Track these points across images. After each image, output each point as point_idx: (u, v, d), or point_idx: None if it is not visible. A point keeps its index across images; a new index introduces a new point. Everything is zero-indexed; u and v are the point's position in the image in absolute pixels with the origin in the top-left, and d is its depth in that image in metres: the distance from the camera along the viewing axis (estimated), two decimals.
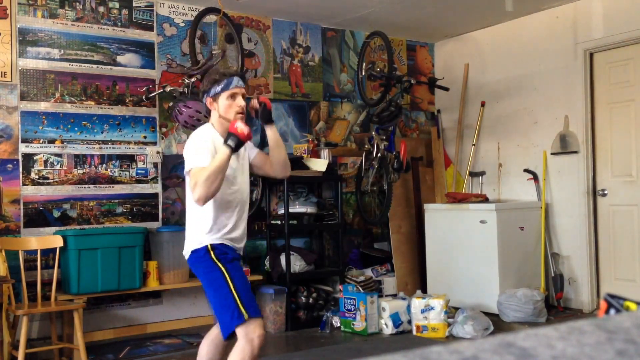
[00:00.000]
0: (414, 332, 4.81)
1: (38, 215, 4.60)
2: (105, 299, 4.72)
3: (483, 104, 6.28)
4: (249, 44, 5.64)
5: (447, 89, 5.80)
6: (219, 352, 2.94)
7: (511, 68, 6.04)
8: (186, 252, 2.89)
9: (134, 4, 5.08)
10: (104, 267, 4.39)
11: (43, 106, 4.68)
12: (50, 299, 4.25)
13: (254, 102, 3.01)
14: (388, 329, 4.87)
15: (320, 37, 6.07)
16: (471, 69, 6.45)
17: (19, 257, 4.17)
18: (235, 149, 2.68)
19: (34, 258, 4.37)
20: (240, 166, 2.95)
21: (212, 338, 3.00)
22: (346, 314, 4.96)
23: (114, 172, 4.93)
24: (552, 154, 5.68)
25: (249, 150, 3.04)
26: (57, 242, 4.31)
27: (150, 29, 5.15)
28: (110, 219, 4.89)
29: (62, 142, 4.74)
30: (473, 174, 6.35)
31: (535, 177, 5.77)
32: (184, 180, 2.87)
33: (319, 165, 5.44)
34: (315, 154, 5.55)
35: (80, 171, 4.80)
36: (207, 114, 3.07)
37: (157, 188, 5.10)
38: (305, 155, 5.46)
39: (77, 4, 4.85)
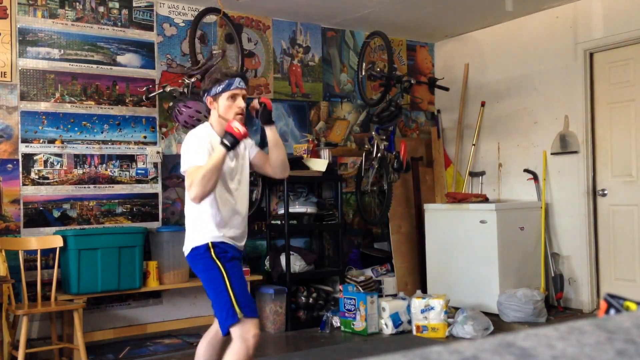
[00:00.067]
0: (414, 332, 4.81)
1: (38, 215, 4.60)
2: (105, 299, 4.72)
3: (483, 104, 6.28)
4: (249, 44, 5.64)
5: (447, 89, 5.80)
6: (216, 352, 2.95)
7: (511, 68, 6.04)
8: (186, 249, 2.90)
9: (134, 4, 5.08)
10: (104, 267, 4.39)
11: (43, 106, 4.68)
12: (50, 299, 4.25)
13: (255, 103, 3.01)
14: (388, 329, 4.87)
15: (320, 37, 6.07)
16: (471, 69, 6.45)
17: (19, 257, 4.17)
18: (231, 148, 2.69)
19: (34, 258, 4.37)
20: (240, 165, 2.96)
21: (209, 338, 3.01)
22: (346, 314, 4.96)
23: (114, 172, 4.93)
24: (552, 154, 5.68)
25: (250, 150, 3.05)
26: (57, 242, 4.31)
27: (150, 29, 5.15)
28: (110, 219, 4.89)
29: (62, 142, 4.74)
30: (473, 174, 6.35)
31: (535, 177, 5.77)
32: (183, 180, 2.87)
33: (319, 165, 5.44)
34: (315, 154, 5.55)
35: (80, 171, 4.80)
36: (207, 114, 3.07)
37: (157, 188, 5.10)
38: (305, 155, 5.46)
39: (77, 4, 4.85)
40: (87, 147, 4.83)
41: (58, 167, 4.72)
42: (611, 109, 5.37)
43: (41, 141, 4.66)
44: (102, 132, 4.90)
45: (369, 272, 5.76)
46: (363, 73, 5.95)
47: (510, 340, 0.59)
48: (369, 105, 5.99)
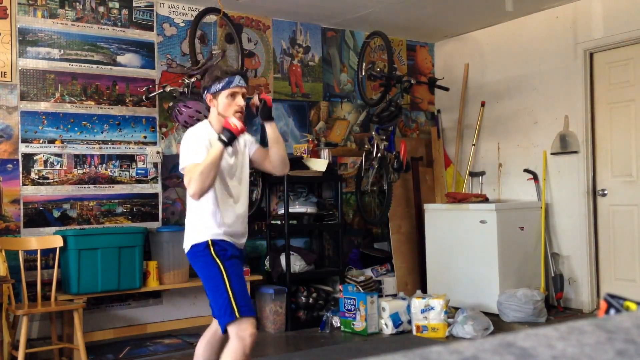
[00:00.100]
0: (414, 332, 4.81)
1: (38, 215, 4.60)
2: (105, 299, 4.72)
3: (483, 104, 6.28)
4: (249, 44, 5.64)
5: (447, 89, 5.80)
6: (215, 352, 2.95)
7: (511, 68, 6.04)
8: (186, 246, 2.91)
9: (134, 4, 5.08)
10: (104, 267, 4.39)
11: (43, 106, 4.68)
12: (50, 299, 4.25)
13: (255, 99, 3.01)
14: (388, 329, 4.87)
15: (320, 37, 6.07)
16: (471, 69, 6.45)
17: (19, 257, 4.17)
18: (228, 144, 2.70)
19: (34, 258, 4.37)
20: (240, 162, 2.96)
21: (208, 338, 3.01)
22: (346, 314, 4.96)
23: (114, 172, 4.93)
24: (552, 154, 5.68)
25: (250, 146, 3.05)
26: (57, 242, 4.31)
27: (150, 29, 5.15)
28: (110, 219, 4.89)
29: (62, 142, 4.74)
30: (473, 174, 6.35)
31: (535, 177, 5.77)
32: (183, 180, 2.88)
33: (319, 165, 5.44)
34: (315, 154, 5.55)
35: (80, 171, 4.80)
36: (208, 113, 3.07)
37: (157, 188, 5.10)
38: (305, 155, 5.46)
39: (77, 4, 4.85)
40: (87, 147, 4.83)
41: (58, 167, 4.72)
42: (611, 109, 5.37)
43: (41, 141, 4.66)
44: (102, 132, 4.90)
45: (369, 272, 5.76)
46: (363, 73, 5.95)
47: (510, 340, 0.59)
48: (369, 105, 5.99)
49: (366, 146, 5.85)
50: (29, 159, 4.61)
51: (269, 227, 5.51)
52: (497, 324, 4.94)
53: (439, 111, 6.75)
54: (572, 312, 5.46)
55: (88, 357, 4.06)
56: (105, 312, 4.78)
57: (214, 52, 5.21)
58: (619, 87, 5.30)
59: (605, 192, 5.38)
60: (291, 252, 5.23)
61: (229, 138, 2.70)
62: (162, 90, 4.96)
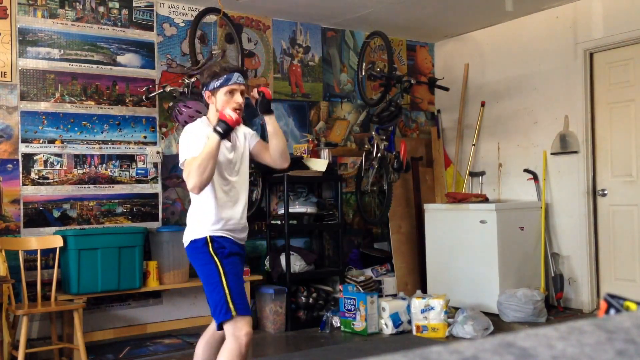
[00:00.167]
0: (414, 332, 4.81)
1: (38, 215, 4.60)
2: (105, 299, 4.72)
3: (483, 104, 6.28)
4: (249, 44, 5.64)
5: (447, 89, 5.80)
6: (214, 352, 2.95)
7: (511, 68, 6.04)
8: (185, 241, 2.91)
9: (134, 4, 5.08)
10: (104, 267, 4.39)
11: (43, 106, 4.68)
12: (50, 299, 4.25)
13: (254, 92, 3.00)
14: (388, 329, 4.87)
15: (320, 37, 6.07)
16: (471, 69, 6.45)
17: (19, 257, 4.17)
18: (223, 135, 2.70)
19: (34, 258, 4.37)
20: (240, 156, 2.95)
21: (207, 338, 3.01)
22: (346, 314, 4.96)
23: (114, 172, 4.93)
24: (552, 154, 5.68)
25: (250, 140, 3.04)
26: (57, 242, 4.31)
27: (150, 29, 5.15)
28: (110, 219, 4.89)
29: (62, 142, 4.74)
30: (473, 174, 6.35)
31: (535, 177, 5.77)
32: (183, 180, 2.88)
33: (319, 165, 5.44)
34: (315, 154, 5.55)
35: (80, 171, 4.80)
36: (207, 111, 3.06)
37: (157, 188, 5.10)
38: (305, 155, 5.46)
39: (77, 4, 4.85)
40: (87, 147, 4.83)
41: (58, 167, 4.72)
42: (611, 109, 5.37)
43: (41, 141, 4.66)
44: (102, 132, 4.90)
45: (369, 272, 5.76)
46: (363, 73, 5.95)
47: (510, 340, 0.59)
48: (369, 105, 5.99)
49: (366, 146, 5.85)
50: (29, 159, 4.61)
51: (269, 227, 5.51)
52: (497, 324, 4.94)
53: (439, 111, 6.75)
54: (572, 312, 5.46)
55: (88, 357, 4.06)
56: (105, 312, 4.78)
57: (214, 52, 5.21)
58: (619, 87, 5.30)
59: (605, 192, 5.38)
60: (291, 252, 5.23)
61: (225, 129, 2.70)
62: (162, 90, 4.96)
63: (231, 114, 2.72)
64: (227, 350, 2.70)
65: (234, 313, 2.69)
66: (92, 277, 4.35)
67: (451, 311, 4.91)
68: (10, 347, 4.00)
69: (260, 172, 5.37)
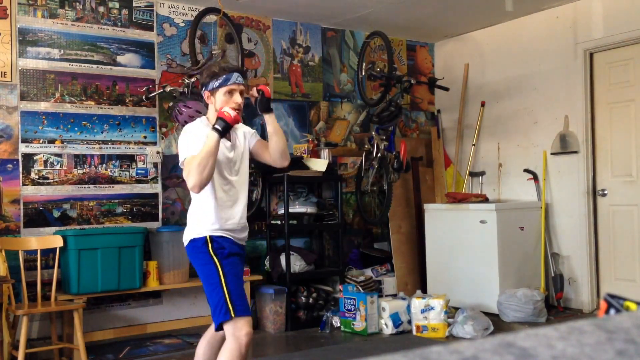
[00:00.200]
0: (414, 332, 4.81)
1: (38, 215, 4.60)
2: (105, 299, 4.72)
3: (483, 104, 6.28)
4: (249, 44, 5.64)
5: (447, 89, 5.80)
6: (215, 352, 2.95)
7: (511, 68, 6.04)
8: (185, 240, 2.92)
9: (134, 4, 5.08)
10: (104, 267, 4.39)
11: (43, 106, 4.68)
12: (50, 299, 4.25)
13: (253, 91, 3.00)
14: (388, 329, 4.87)
15: (320, 37, 6.07)
16: (471, 69, 6.45)
17: (19, 257, 4.17)
18: (222, 133, 2.70)
19: (34, 258, 4.37)
20: (240, 156, 2.95)
21: (208, 339, 3.01)
22: (346, 314, 4.96)
23: (114, 172, 4.93)
24: (552, 154, 5.68)
25: (250, 139, 3.04)
26: (57, 242, 4.31)
27: (150, 29, 5.15)
28: (110, 219, 4.89)
29: (62, 142, 4.74)
30: (473, 174, 6.35)
31: (535, 177, 5.77)
32: (184, 180, 2.88)
33: (319, 165, 5.44)
34: (315, 154, 5.55)
35: (80, 171, 4.80)
36: (207, 111, 3.05)
37: (157, 188, 5.10)
38: (305, 155, 5.46)
39: (77, 4, 4.85)
40: (87, 147, 4.83)
41: (58, 167, 4.72)
42: (611, 109, 5.37)
43: (41, 141, 4.66)
44: (102, 132, 4.90)
45: (369, 272, 5.76)
46: (363, 73, 5.95)
47: (510, 340, 0.59)
48: (369, 105, 5.99)
49: (366, 146, 5.85)
50: (29, 159, 4.61)
51: (269, 227, 5.51)
52: (497, 324, 4.94)
53: (439, 111, 6.75)
54: (572, 312, 5.46)
55: (88, 357, 4.06)
56: (105, 312, 4.78)
57: (214, 52, 5.21)
58: (619, 87, 5.30)
59: (605, 192, 5.38)
60: (291, 252, 5.23)
61: (224, 127, 2.70)
62: (162, 90, 4.96)
63: (230, 112, 2.72)
64: (227, 351, 2.70)
65: (232, 314, 2.69)
66: (92, 277, 4.35)
67: (451, 311, 4.91)
68: (10, 347, 4.00)
69: (260, 172, 5.37)
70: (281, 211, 5.38)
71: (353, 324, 4.90)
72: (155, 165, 5.10)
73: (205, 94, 2.91)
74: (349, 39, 6.26)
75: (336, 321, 5.06)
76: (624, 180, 5.28)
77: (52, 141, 4.70)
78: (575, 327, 0.62)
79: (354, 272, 5.63)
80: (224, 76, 2.85)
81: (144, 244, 4.63)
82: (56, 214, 4.67)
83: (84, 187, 4.80)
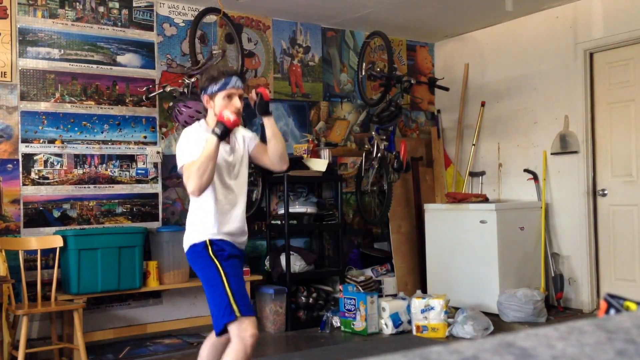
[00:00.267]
0: (414, 332, 4.81)
1: (38, 215, 4.60)
2: (105, 299, 4.72)
3: (483, 104, 6.28)
4: (249, 44, 5.64)
5: (447, 89, 5.80)
6: (219, 354, 2.94)
7: (511, 68, 6.04)
8: (185, 246, 2.91)
9: (134, 4, 5.08)
10: (104, 267, 4.39)
11: (43, 106, 4.68)
12: (50, 299, 4.25)
13: (252, 93, 3.00)
14: (388, 329, 4.87)
15: (320, 37, 6.07)
16: (471, 69, 6.45)
17: (19, 257, 4.17)
18: (221, 137, 2.69)
19: (34, 258, 4.37)
20: (239, 159, 2.95)
21: (212, 341, 3.00)
22: (346, 314, 4.96)
23: (114, 172, 4.94)
24: (552, 154, 5.68)
25: (249, 142, 3.04)
26: (57, 242, 4.31)
27: (150, 29, 5.15)
28: (110, 219, 4.89)
29: (62, 142, 4.74)
30: (473, 174, 6.35)
31: (535, 177, 5.77)
32: (183, 180, 2.87)
33: (319, 165, 5.44)
34: (315, 154, 5.55)
35: (80, 171, 4.80)
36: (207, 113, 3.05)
37: (157, 188, 5.10)
38: (305, 155, 5.46)
39: (77, 4, 4.85)
40: (87, 147, 4.83)
41: (58, 167, 4.72)
42: (611, 109, 5.37)
43: (41, 141, 4.66)
44: (102, 132, 4.90)
45: (369, 272, 5.76)
46: (363, 73, 5.95)
47: (510, 340, 0.59)
48: (369, 105, 5.99)
49: (366, 146, 5.85)
50: (29, 159, 4.61)
51: (269, 227, 5.51)
52: (497, 324, 4.94)
53: (439, 111, 6.75)
54: (572, 312, 5.46)
55: (88, 357, 4.06)
56: (105, 312, 4.78)
57: (214, 52, 5.21)
58: (619, 87, 5.30)
59: (605, 192, 5.38)
60: (291, 252, 5.23)
61: (223, 131, 2.69)
62: (162, 90, 4.96)
63: (229, 116, 2.71)
64: (232, 351, 2.69)
65: (237, 314, 2.68)
66: (92, 277, 4.35)
67: (451, 311, 4.91)
68: (10, 347, 4.00)
69: (260, 172, 5.37)
70: (281, 211, 5.38)
71: (353, 324, 4.90)
72: (155, 165, 5.10)
73: (204, 98, 2.91)
74: (349, 39, 6.26)
75: (336, 321, 5.06)
76: (624, 180, 5.28)
77: (52, 141, 4.70)
78: (575, 327, 0.62)
79: (354, 272, 5.63)
80: (223, 80, 2.84)
81: (144, 244, 4.63)
82: (56, 214, 4.67)
83: (84, 187, 4.80)
